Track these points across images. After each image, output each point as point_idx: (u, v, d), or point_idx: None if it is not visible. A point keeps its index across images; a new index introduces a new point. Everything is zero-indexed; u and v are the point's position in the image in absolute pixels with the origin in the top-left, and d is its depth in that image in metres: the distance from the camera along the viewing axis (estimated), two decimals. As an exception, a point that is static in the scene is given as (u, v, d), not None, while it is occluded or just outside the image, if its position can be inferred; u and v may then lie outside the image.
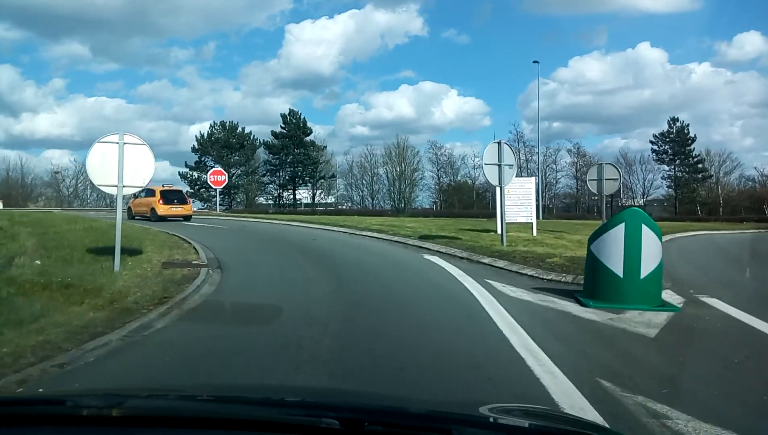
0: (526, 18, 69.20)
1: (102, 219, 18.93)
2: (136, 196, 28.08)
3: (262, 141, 57.45)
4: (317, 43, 63.74)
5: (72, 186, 62.36)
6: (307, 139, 57.01)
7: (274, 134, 57.01)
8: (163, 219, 23.67)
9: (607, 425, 2.65)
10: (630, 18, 70.83)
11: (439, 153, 60.43)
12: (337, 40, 64.22)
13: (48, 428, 1.27)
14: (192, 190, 56.93)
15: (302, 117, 57.23)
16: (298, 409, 1.39)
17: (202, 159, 55.60)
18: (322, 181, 58.04)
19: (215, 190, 33.18)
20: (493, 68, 73.70)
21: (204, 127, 57.91)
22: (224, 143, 56.00)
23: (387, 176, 59.32)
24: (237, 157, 57.39)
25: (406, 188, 59.15)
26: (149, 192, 26.86)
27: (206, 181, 55.71)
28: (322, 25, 68.38)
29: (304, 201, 59.06)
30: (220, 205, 55.87)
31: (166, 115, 77.34)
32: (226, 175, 31.93)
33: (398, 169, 58.68)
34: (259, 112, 67.14)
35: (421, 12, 78.76)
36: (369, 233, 17.84)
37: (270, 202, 58.61)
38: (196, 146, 55.93)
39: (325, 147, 58.86)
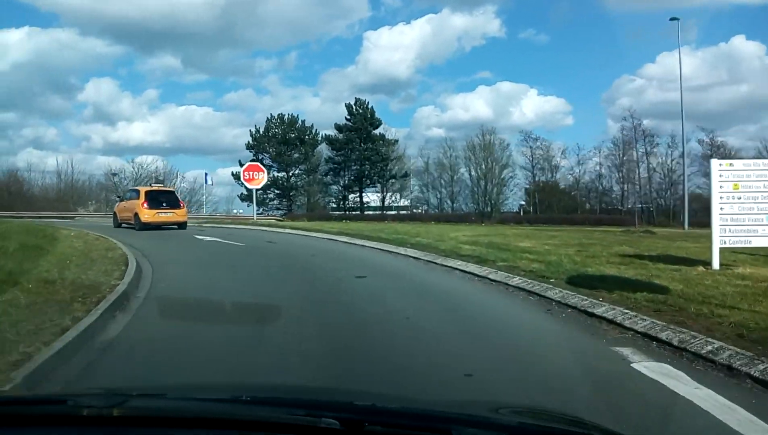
0: (607, 15, 64.83)
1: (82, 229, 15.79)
2: (121, 198, 21.46)
3: (324, 135, 50.14)
4: (394, 48, 63.33)
5: (127, 189, 57.92)
6: (376, 132, 48.98)
7: (337, 127, 49.44)
8: (148, 227, 18.34)
9: (609, 427, 1.83)
10: (721, 11, 65.17)
11: (534, 146, 50.44)
12: (413, 45, 63.86)
13: (48, 428, 1.28)
14: (246, 193, 50.54)
15: (370, 106, 49.31)
16: (298, 409, 1.32)
17: (258, 156, 48.82)
18: (393, 181, 49.76)
19: (255, 190, 25.59)
20: (574, 66, 70.88)
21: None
22: (282, 138, 49.09)
23: (470, 175, 50.22)
24: (297, 155, 50.43)
25: (494, 189, 49.77)
26: (134, 193, 19.80)
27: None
28: (399, 30, 67.32)
29: (372, 203, 51.08)
30: (277, 209, 50.62)
31: (250, 122, 79.93)
32: (265, 172, 24.27)
33: (484, 167, 49.43)
34: (338, 117, 64.88)
35: (499, 13, 79.51)
36: (461, 265, 9.17)
37: (333, 205, 51.13)
38: (251, 142, 49.38)
39: (397, 141, 50.58)
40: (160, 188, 21.49)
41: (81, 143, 73.21)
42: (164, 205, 19.38)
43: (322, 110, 70.08)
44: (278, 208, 50.18)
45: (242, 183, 25.06)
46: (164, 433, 1.25)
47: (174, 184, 54.52)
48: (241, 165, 51.08)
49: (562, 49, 70.82)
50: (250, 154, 49.96)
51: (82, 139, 75.61)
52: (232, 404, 1.45)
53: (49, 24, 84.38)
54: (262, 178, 23.99)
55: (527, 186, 51.24)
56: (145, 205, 18.92)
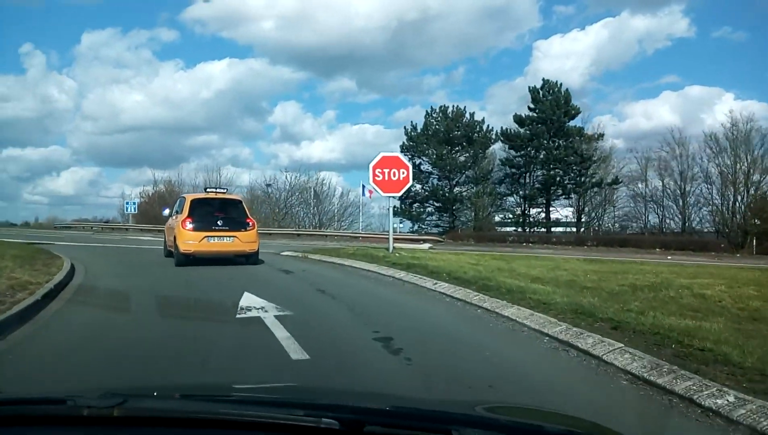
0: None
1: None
2: (170, 214, 12.25)
3: (498, 131, 38.36)
4: (566, 56, 60.49)
5: (283, 202, 52.03)
6: (572, 124, 36.00)
7: (518, 120, 37.30)
8: (192, 260, 11.02)
9: (608, 426, 1.83)
10: None
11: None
12: (588, 52, 61.34)
13: (48, 428, 1.29)
14: (400, 207, 40.59)
15: (563, 89, 36.41)
16: (298, 409, 1.32)
17: (414, 160, 38.66)
18: (596, 190, 36.16)
19: (392, 199, 14.65)
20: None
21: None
22: (444, 137, 38.44)
23: (713, 181, 34.55)
24: (462, 158, 39.37)
25: (751, 201, 33.55)
26: (181, 204, 12.08)
27: (419, 193, 39.14)
28: (572, 37, 66.01)
29: (562, 219, 37.97)
30: (436, 226, 40.03)
31: None
32: (408, 170, 13.32)
33: (735, 169, 33.53)
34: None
35: (687, 12, 73.84)
36: None
37: (508, 221, 38.96)
38: (406, 143, 39.46)
39: (602, 135, 36.76)
40: (217, 196, 11.87)
41: (270, 161, 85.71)
42: (220, 223, 11.32)
43: (488, 123, 65.52)
44: (438, 225, 39.51)
45: (374, 189, 14.29)
46: (164, 433, 1.26)
47: (330, 194, 47.42)
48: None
49: (764, 47, 63.14)
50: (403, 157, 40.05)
51: (271, 157, 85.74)
52: (232, 404, 1.48)
53: (245, 55, 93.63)
54: (402, 180, 13.32)
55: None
56: (188, 223, 11.16)
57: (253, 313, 6.05)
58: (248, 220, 11.66)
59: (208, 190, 12.05)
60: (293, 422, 1.23)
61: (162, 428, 1.26)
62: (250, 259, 11.52)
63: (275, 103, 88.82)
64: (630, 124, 61.16)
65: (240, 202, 12.16)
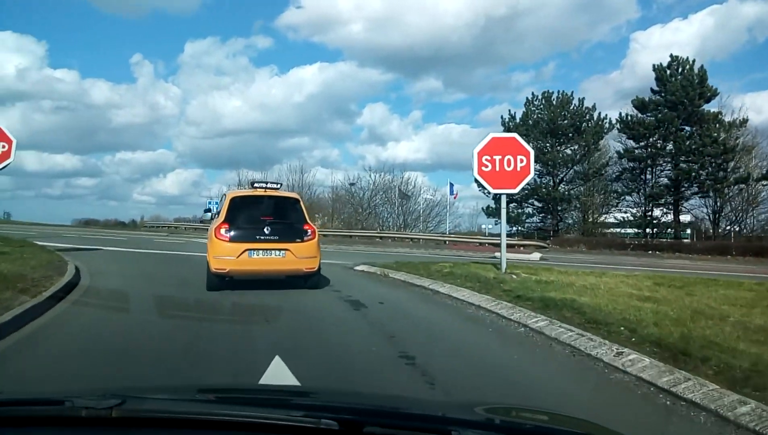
0: None
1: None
2: (212, 217, 9.07)
3: (615, 120, 32.89)
4: (667, 47, 55.69)
5: (367, 202, 49.44)
6: (706, 108, 29.94)
7: (638, 104, 31.64)
8: (227, 282, 7.93)
9: (607, 426, 1.83)
10: None
11: None
12: (691, 42, 55.85)
13: (48, 428, 1.28)
14: (494, 207, 36.12)
15: (697, 68, 30.36)
16: (297, 410, 1.32)
17: (512, 155, 34.15)
18: (742, 187, 29.81)
19: (506, 197, 10.55)
20: None
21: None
22: (547, 127, 33.58)
23: None
24: (569, 151, 34.30)
25: None
26: (221, 202, 9.44)
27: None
28: (673, 27, 61.98)
29: (687, 218, 31.95)
30: (538, 229, 35.24)
31: None
32: (530, 155, 9.37)
33: None
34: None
35: None
36: None
37: (627, 223, 33.39)
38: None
39: (746, 121, 30.20)
40: (267, 193, 8.61)
41: (357, 162, 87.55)
42: (267, 231, 8.10)
43: (600, 109, 59.38)
44: (539, 228, 34.74)
45: (479, 183, 10.39)
46: (164, 433, 1.25)
47: (416, 193, 44.11)
48: (478, 181, 37.54)
49: None
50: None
51: (359, 158, 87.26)
52: (232, 405, 1.46)
53: (335, 59, 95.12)
54: (519, 171, 9.22)
55: None
56: (224, 231, 8.07)
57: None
58: (306, 227, 8.30)
59: (255, 184, 8.79)
60: (293, 423, 1.22)
61: (160, 429, 1.25)
62: (307, 281, 8.21)
63: (363, 105, 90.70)
64: (738, 117, 56.16)
65: (297, 201, 8.80)
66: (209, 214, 8.88)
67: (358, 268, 11.70)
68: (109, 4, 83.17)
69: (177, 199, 79.73)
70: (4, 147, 11.39)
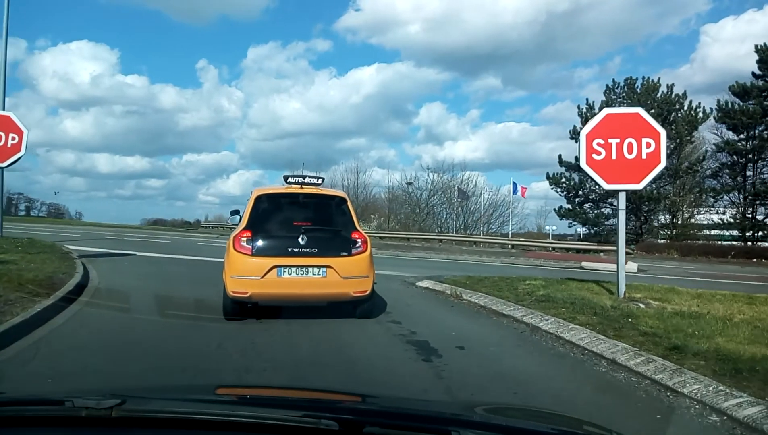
0: None
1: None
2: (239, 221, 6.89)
3: (711, 109, 28.94)
4: (740, 40, 53.09)
5: (424, 202, 47.19)
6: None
7: (738, 91, 27.63)
8: (249, 310, 5.89)
9: (606, 426, 1.74)
10: None
11: None
12: (766, 33, 44.25)
13: (48, 428, 1.27)
14: (571, 207, 33.19)
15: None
16: (297, 411, 1.30)
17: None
18: None
19: (624, 194, 7.96)
20: None
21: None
22: (631, 117, 30.13)
23: None
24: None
25: None
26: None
27: (593, 190, 31.08)
28: (747, 18, 56.80)
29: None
30: (617, 232, 31.20)
31: (565, 135, 71.51)
32: (660, 135, 6.92)
33: None
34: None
35: None
36: None
37: (724, 225, 29.34)
38: (578, 127, 31.63)
39: None
40: (302, 190, 6.44)
41: (414, 162, 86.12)
42: (303, 241, 5.89)
43: (692, 97, 54.81)
44: (632, 234, 31.24)
45: (589, 174, 7.68)
46: (164, 433, 1.24)
47: (477, 193, 41.48)
48: (551, 178, 34.13)
49: None
50: (560, 169, 32.75)
51: (415, 158, 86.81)
52: (232, 405, 1.47)
53: (392, 59, 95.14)
54: (645, 160, 6.67)
55: None
56: (244, 240, 5.91)
57: None
58: (356, 236, 6.11)
59: (289, 179, 6.63)
60: (292, 423, 1.21)
61: (160, 429, 1.24)
62: (357, 308, 6.07)
63: (420, 105, 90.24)
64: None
65: (344, 201, 6.56)
66: (237, 217, 6.84)
67: (421, 283, 9.43)
68: (179, 12, 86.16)
69: (239, 199, 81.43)
70: (14, 139, 9.94)
